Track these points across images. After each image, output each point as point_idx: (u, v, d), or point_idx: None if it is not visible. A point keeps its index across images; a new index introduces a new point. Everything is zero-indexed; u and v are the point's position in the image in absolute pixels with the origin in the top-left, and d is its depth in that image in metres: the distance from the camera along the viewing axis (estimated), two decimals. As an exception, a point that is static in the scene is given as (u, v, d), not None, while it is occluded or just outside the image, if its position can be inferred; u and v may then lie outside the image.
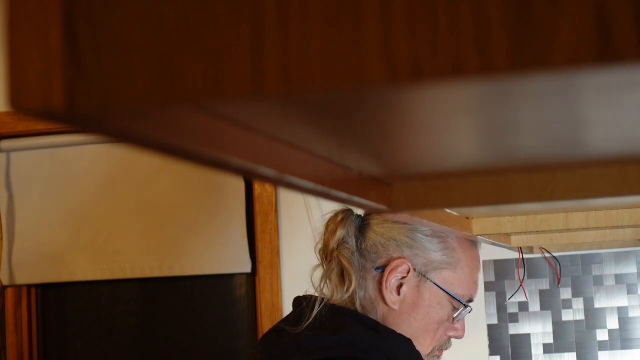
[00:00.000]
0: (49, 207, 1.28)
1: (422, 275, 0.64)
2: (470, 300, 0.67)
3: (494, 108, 0.17)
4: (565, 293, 1.20)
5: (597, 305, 1.19)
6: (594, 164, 0.31)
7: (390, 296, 0.63)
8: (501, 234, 0.57)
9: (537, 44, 0.12)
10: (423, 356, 0.64)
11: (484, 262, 1.17)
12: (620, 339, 1.17)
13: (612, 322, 1.18)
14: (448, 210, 0.48)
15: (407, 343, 0.61)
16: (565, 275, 1.19)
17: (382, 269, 0.64)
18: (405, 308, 0.63)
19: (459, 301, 0.65)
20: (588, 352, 1.17)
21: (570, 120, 0.20)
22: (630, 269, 1.20)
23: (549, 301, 1.19)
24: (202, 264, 1.28)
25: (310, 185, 0.22)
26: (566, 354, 1.18)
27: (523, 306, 1.20)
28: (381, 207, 0.33)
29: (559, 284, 1.19)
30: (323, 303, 0.61)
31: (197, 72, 0.14)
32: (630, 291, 1.19)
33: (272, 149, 0.20)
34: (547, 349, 1.19)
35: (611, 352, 1.17)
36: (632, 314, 1.18)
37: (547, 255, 1.08)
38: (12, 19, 0.13)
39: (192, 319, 1.34)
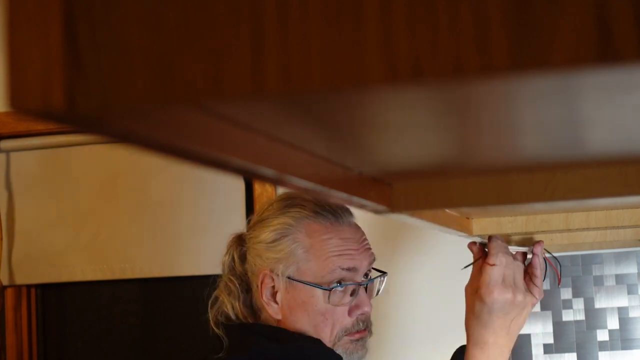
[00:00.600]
0: (48, 207, 1.28)
1: (285, 277, 0.64)
2: (350, 270, 0.64)
3: (494, 108, 0.17)
4: (566, 293, 1.20)
5: (598, 305, 1.19)
6: (594, 164, 0.31)
7: (270, 307, 0.64)
8: (501, 234, 0.57)
9: (537, 44, 0.12)
10: (335, 346, 0.63)
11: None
12: (621, 339, 1.17)
13: (613, 322, 1.18)
14: (448, 210, 0.48)
15: (315, 343, 0.61)
16: (565, 275, 1.19)
17: (259, 287, 0.66)
18: (288, 313, 0.64)
19: (320, 287, 0.63)
20: (588, 352, 1.17)
21: (570, 120, 0.20)
22: (630, 269, 1.20)
23: (549, 301, 1.19)
24: (202, 264, 1.28)
25: (310, 185, 0.22)
26: (566, 354, 1.18)
27: (523, 306, 1.19)
28: (381, 207, 0.33)
29: (559, 284, 1.19)
30: (242, 324, 0.64)
31: (197, 72, 0.14)
32: (631, 291, 1.19)
33: (272, 149, 0.20)
34: (547, 349, 1.19)
35: (611, 352, 1.17)
36: (632, 314, 1.18)
37: (547, 255, 1.08)
38: (12, 19, 0.13)
39: (192, 319, 1.34)
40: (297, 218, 0.64)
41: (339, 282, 0.63)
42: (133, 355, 1.32)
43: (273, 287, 0.64)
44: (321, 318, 0.63)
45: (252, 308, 0.66)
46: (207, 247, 1.26)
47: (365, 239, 0.68)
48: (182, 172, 1.23)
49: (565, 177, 0.32)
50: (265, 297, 0.64)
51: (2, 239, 1.25)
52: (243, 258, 0.67)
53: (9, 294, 1.28)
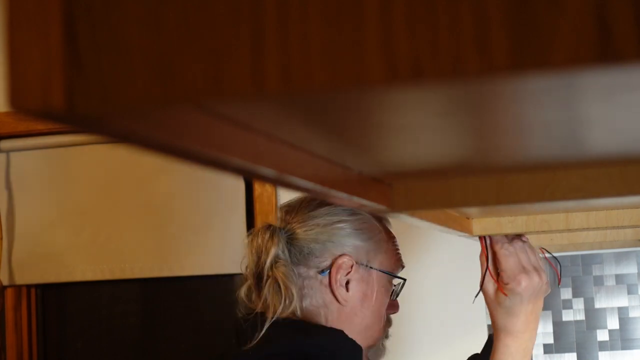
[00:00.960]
0: (48, 207, 1.28)
1: (365, 266, 0.64)
2: (401, 267, 0.68)
3: (494, 108, 0.17)
4: (566, 293, 1.20)
5: (598, 305, 1.19)
6: (594, 164, 0.31)
7: (340, 293, 0.63)
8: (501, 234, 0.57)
9: (537, 44, 0.12)
10: (376, 341, 0.64)
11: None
12: (621, 339, 1.17)
13: (613, 322, 1.18)
14: (448, 210, 0.48)
15: (338, 334, 0.61)
16: (565, 275, 1.19)
17: (327, 270, 0.63)
18: (355, 302, 0.63)
19: (398, 277, 0.66)
20: (588, 352, 1.17)
21: (570, 120, 0.20)
22: (630, 269, 1.20)
23: (549, 301, 1.19)
24: (202, 264, 1.28)
25: (310, 185, 0.22)
26: (566, 354, 1.18)
27: (523, 306, 1.20)
28: (381, 207, 0.33)
29: (559, 284, 1.19)
30: (272, 319, 0.61)
31: (197, 72, 0.14)
32: (631, 291, 1.19)
33: (272, 149, 0.20)
34: (548, 349, 1.19)
35: (611, 352, 1.17)
36: (632, 314, 1.18)
37: (547, 255, 1.08)
38: (12, 19, 0.13)
39: (192, 319, 1.34)
40: (362, 212, 0.64)
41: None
42: (133, 355, 1.32)
43: (348, 273, 0.63)
44: (383, 310, 0.65)
45: (288, 297, 0.62)
46: (207, 247, 1.26)
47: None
48: (182, 172, 1.23)
49: (566, 177, 0.32)
50: (338, 281, 0.62)
51: (2, 238, 1.25)
52: (291, 248, 0.64)
53: (9, 294, 1.28)
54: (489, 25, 0.13)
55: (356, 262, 0.63)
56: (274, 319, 0.61)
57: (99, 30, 0.13)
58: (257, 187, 1.26)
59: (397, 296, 0.68)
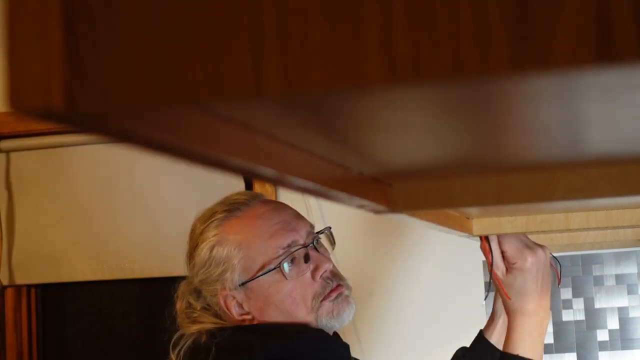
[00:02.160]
0: (48, 207, 1.28)
1: (239, 287, 0.62)
2: (290, 245, 0.62)
3: (494, 108, 0.17)
4: (566, 293, 1.20)
5: (598, 305, 1.19)
6: (594, 164, 0.31)
7: (240, 317, 0.63)
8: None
9: (536, 44, 0.12)
10: (316, 317, 0.60)
11: (483, 261, 1.16)
12: (621, 339, 1.17)
13: (613, 322, 1.18)
14: (448, 210, 0.48)
15: (319, 332, 0.59)
16: (565, 275, 1.19)
17: (222, 309, 0.64)
18: (261, 315, 0.62)
19: (269, 270, 0.61)
20: (588, 352, 1.17)
21: (570, 120, 0.20)
22: (630, 269, 1.20)
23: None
24: (202, 264, 1.27)
25: (310, 185, 0.22)
26: (566, 354, 1.18)
27: (523, 306, 1.20)
28: (381, 207, 0.33)
29: (559, 284, 1.19)
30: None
31: (197, 72, 0.14)
32: (631, 291, 1.19)
33: (272, 149, 0.20)
34: (548, 349, 1.19)
35: (611, 352, 1.17)
36: (632, 314, 1.18)
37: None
38: (12, 19, 0.13)
39: (192, 319, 1.33)
40: (215, 226, 0.63)
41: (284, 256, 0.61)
42: (133, 355, 1.32)
43: (236, 300, 0.62)
44: (290, 300, 0.61)
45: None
46: (207, 247, 1.26)
47: (293, 211, 0.64)
48: (182, 172, 1.24)
49: (566, 177, 0.32)
50: (236, 314, 0.62)
51: (1, 238, 1.25)
52: (197, 295, 0.65)
53: (9, 293, 1.28)
54: (489, 25, 0.13)
55: (229, 290, 0.62)
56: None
57: (99, 30, 0.13)
58: (257, 187, 1.26)
59: (290, 276, 0.61)
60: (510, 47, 0.12)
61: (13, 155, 1.32)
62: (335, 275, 0.63)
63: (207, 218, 0.65)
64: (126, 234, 1.30)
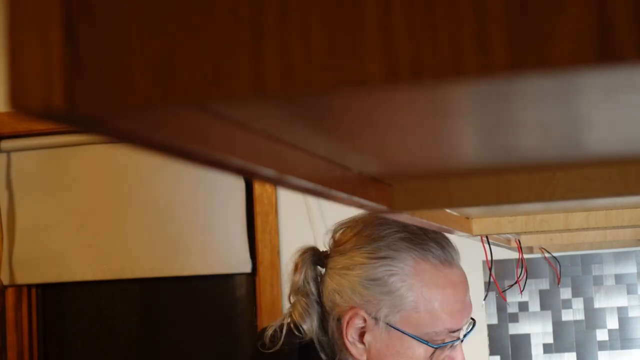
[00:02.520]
0: (49, 207, 1.28)
1: (380, 321, 0.56)
2: (453, 331, 0.58)
3: (494, 108, 0.17)
4: (565, 293, 1.20)
5: (597, 305, 1.19)
6: (593, 164, 0.31)
7: (354, 348, 0.57)
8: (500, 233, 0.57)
9: (537, 44, 0.12)
10: None
11: (483, 261, 1.16)
12: (620, 339, 1.17)
13: (612, 322, 1.18)
14: (448, 210, 0.48)
15: None
16: (565, 275, 1.19)
17: (340, 320, 0.58)
18: (374, 357, 0.56)
19: (428, 344, 0.56)
20: (588, 351, 1.17)
21: (570, 121, 0.20)
22: (629, 268, 1.20)
23: (548, 301, 1.19)
24: (202, 264, 1.28)
25: (310, 185, 0.22)
26: (566, 354, 1.18)
27: (523, 306, 1.20)
28: (381, 207, 0.33)
29: (558, 284, 1.19)
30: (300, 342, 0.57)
31: (197, 72, 0.14)
32: (630, 291, 1.19)
33: (272, 149, 0.20)
34: (547, 348, 1.19)
35: (611, 351, 1.17)
36: (631, 313, 1.18)
37: (546, 255, 1.08)
38: (13, 19, 0.13)
39: (192, 319, 1.34)
40: (402, 250, 0.56)
41: (443, 339, 0.56)
42: (133, 355, 1.32)
43: (362, 327, 0.57)
44: None
45: (328, 337, 0.58)
46: (207, 247, 1.26)
47: (468, 291, 0.60)
48: (183, 172, 1.24)
49: (565, 177, 0.32)
50: (350, 336, 0.56)
51: (2, 238, 1.25)
52: (318, 281, 0.58)
53: (10, 293, 1.28)
54: (489, 25, 0.13)
55: (370, 317, 0.56)
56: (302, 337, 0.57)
57: (99, 30, 0.13)
58: (257, 187, 1.26)
59: (433, 357, 0.56)
60: (511, 48, 0.13)
61: (14, 155, 1.32)
62: None
63: (392, 231, 0.56)
64: (127, 234, 1.30)
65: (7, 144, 1.28)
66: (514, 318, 1.19)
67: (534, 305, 1.19)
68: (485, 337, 1.20)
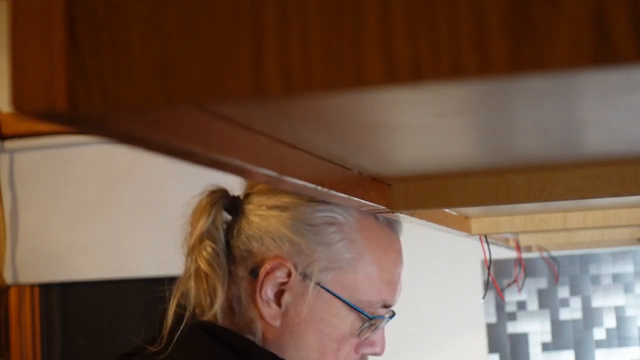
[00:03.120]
0: (52, 206, 1.28)
1: (309, 279, 0.42)
2: (386, 306, 0.45)
3: (493, 109, 0.17)
4: (563, 292, 1.20)
5: (595, 304, 1.20)
6: (591, 164, 0.31)
7: (267, 309, 0.42)
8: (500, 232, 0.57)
9: (535, 46, 0.13)
10: None
11: (481, 261, 1.17)
12: (618, 337, 1.18)
13: (610, 321, 1.19)
14: (447, 210, 0.48)
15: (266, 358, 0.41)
16: (563, 274, 1.19)
17: (256, 273, 0.43)
18: (290, 324, 0.43)
19: (362, 312, 0.43)
20: (586, 350, 1.18)
21: (568, 121, 0.20)
22: (627, 268, 1.20)
23: (547, 300, 1.19)
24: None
25: (310, 185, 0.22)
26: (564, 352, 1.19)
27: (521, 305, 1.20)
28: (381, 207, 0.33)
29: (556, 283, 1.19)
30: (185, 320, 0.42)
31: (198, 74, 0.14)
32: (627, 290, 1.20)
33: (272, 149, 0.20)
34: (545, 347, 1.19)
35: (608, 349, 1.18)
36: (628, 312, 1.18)
37: (545, 254, 1.08)
38: (15, 22, 0.13)
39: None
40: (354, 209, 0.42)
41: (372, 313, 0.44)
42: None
43: (282, 284, 0.43)
44: (334, 345, 0.43)
45: (232, 303, 0.43)
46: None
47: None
48: (184, 172, 1.24)
49: (563, 177, 0.33)
50: (265, 293, 0.42)
51: (5, 238, 1.25)
52: (232, 228, 0.44)
53: (13, 292, 1.28)
54: (488, 27, 0.13)
55: (296, 271, 0.42)
56: (190, 319, 0.42)
57: (101, 32, 0.14)
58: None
59: (364, 334, 0.44)
60: (509, 49, 0.13)
61: (17, 155, 1.32)
62: None
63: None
64: (130, 233, 1.30)
65: (11, 144, 1.28)
66: (512, 317, 1.19)
67: (533, 304, 1.19)
68: (484, 336, 1.21)
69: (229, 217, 0.46)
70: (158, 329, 0.46)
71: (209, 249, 0.44)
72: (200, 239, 0.45)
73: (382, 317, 0.45)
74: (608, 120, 0.20)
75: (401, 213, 0.36)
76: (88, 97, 0.13)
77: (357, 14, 0.13)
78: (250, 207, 0.45)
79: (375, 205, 0.31)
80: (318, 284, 0.43)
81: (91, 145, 1.29)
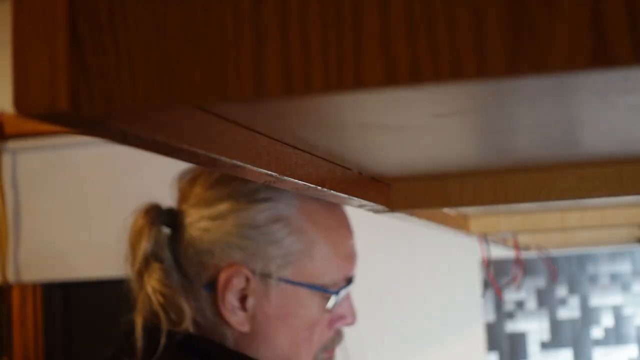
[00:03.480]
0: (54, 206, 1.29)
1: (268, 278, 0.42)
2: (348, 279, 0.45)
3: (491, 110, 0.17)
4: (561, 291, 1.21)
5: (593, 303, 1.20)
6: (589, 164, 0.31)
7: (234, 316, 0.42)
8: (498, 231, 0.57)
9: (533, 48, 0.13)
10: None
11: (480, 260, 1.17)
12: (615, 336, 1.18)
13: (607, 320, 1.19)
14: (446, 210, 0.49)
15: None
16: (561, 273, 1.20)
17: (213, 286, 0.42)
18: (260, 325, 0.42)
19: (328, 291, 0.43)
20: (584, 348, 1.18)
21: (565, 122, 0.20)
22: (624, 267, 1.21)
23: (545, 299, 1.19)
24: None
25: (310, 185, 0.22)
26: (562, 351, 1.19)
27: (520, 304, 1.21)
28: (380, 207, 0.33)
29: (554, 282, 1.19)
30: (163, 333, 0.41)
31: (199, 75, 0.14)
32: (625, 289, 1.20)
33: (272, 149, 0.20)
34: (544, 345, 1.20)
35: (606, 348, 1.18)
36: (626, 311, 1.19)
37: (543, 253, 1.08)
38: (18, 23, 0.13)
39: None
40: (282, 190, 0.41)
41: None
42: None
43: (243, 289, 0.42)
44: (306, 333, 0.43)
45: (197, 318, 0.43)
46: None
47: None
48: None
49: (561, 177, 0.33)
50: (228, 303, 0.42)
51: (8, 237, 1.25)
52: (175, 243, 0.43)
53: (16, 291, 1.28)
54: (486, 29, 0.13)
55: (253, 275, 0.42)
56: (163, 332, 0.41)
57: (103, 34, 0.14)
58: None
59: (332, 306, 0.44)
60: (507, 50, 0.13)
61: (20, 155, 1.32)
62: (341, 334, 0.47)
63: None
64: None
65: (13, 144, 1.28)
66: (511, 316, 1.20)
67: (531, 303, 1.19)
68: (483, 335, 1.21)
69: (169, 232, 0.45)
70: (125, 340, 0.45)
71: (159, 271, 0.43)
72: (147, 262, 0.44)
73: (345, 286, 0.45)
74: (605, 120, 0.20)
75: (401, 212, 0.36)
76: (90, 98, 0.13)
77: (357, 15, 0.13)
78: (189, 221, 0.44)
79: (375, 205, 0.31)
80: (280, 280, 0.43)
81: (93, 145, 1.29)
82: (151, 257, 0.44)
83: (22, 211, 1.30)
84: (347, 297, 0.47)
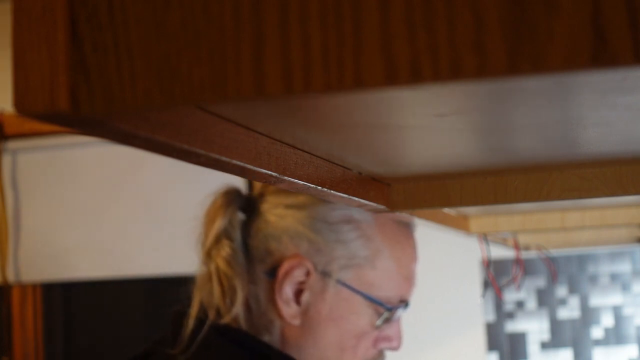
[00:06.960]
0: (55, 206, 1.29)
1: (328, 277, 0.43)
2: (403, 301, 0.46)
3: (491, 109, 0.17)
4: (561, 291, 1.21)
5: (593, 302, 1.20)
6: (589, 164, 0.31)
7: (287, 308, 0.42)
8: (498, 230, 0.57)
9: (533, 47, 0.13)
10: None
11: (480, 260, 1.17)
12: (615, 336, 1.18)
13: (607, 320, 1.19)
14: (446, 210, 0.49)
15: None
16: (561, 273, 1.20)
17: (274, 272, 0.43)
18: (310, 322, 0.43)
19: (383, 305, 0.44)
20: (584, 348, 1.18)
21: (565, 122, 0.20)
22: (624, 267, 1.21)
23: (545, 299, 1.20)
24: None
25: (310, 185, 0.22)
26: (562, 351, 1.19)
27: (520, 304, 1.21)
28: (380, 207, 0.33)
29: (554, 282, 1.19)
30: (207, 323, 0.41)
31: (199, 74, 0.14)
32: (625, 289, 1.20)
33: (272, 149, 0.20)
34: (544, 345, 1.20)
35: (606, 348, 1.18)
36: (626, 311, 1.19)
37: (543, 253, 1.08)
38: (18, 23, 0.13)
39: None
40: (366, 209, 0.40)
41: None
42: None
43: (301, 282, 0.42)
44: (353, 342, 0.43)
45: (250, 303, 0.43)
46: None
47: None
48: (186, 172, 1.24)
49: (561, 177, 0.33)
50: (284, 293, 0.42)
51: (8, 237, 1.26)
52: (248, 227, 0.43)
53: (16, 291, 1.28)
54: (487, 28, 0.13)
55: (315, 270, 0.42)
56: (207, 322, 0.41)
57: (103, 33, 0.14)
58: (258, 187, 1.26)
59: (381, 322, 0.44)
60: (507, 50, 0.13)
61: (20, 155, 1.32)
62: (384, 356, 0.47)
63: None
64: (132, 232, 1.31)
65: (13, 144, 1.28)
66: (511, 316, 1.20)
67: (531, 303, 1.19)
68: (483, 335, 1.21)
69: (243, 217, 0.45)
70: (171, 331, 0.44)
71: (227, 249, 0.43)
72: (218, 239, 0.44)
73: (399, 306, 0.46)
74: (606, 120, 0.20)
75: (400, 212, 0.36)
76: (90, 98, 0.13)
77: (357, 14, 0.13)
78: (266, 207, 0.45)
79: (375, 205, 0.31)
80: (338, 281, 0.43)
81: (93, 145, 1.29)
82: (223, 235, 0.44)
83: (22, 211, 1.31)
84: (398, 320, 0.47)
